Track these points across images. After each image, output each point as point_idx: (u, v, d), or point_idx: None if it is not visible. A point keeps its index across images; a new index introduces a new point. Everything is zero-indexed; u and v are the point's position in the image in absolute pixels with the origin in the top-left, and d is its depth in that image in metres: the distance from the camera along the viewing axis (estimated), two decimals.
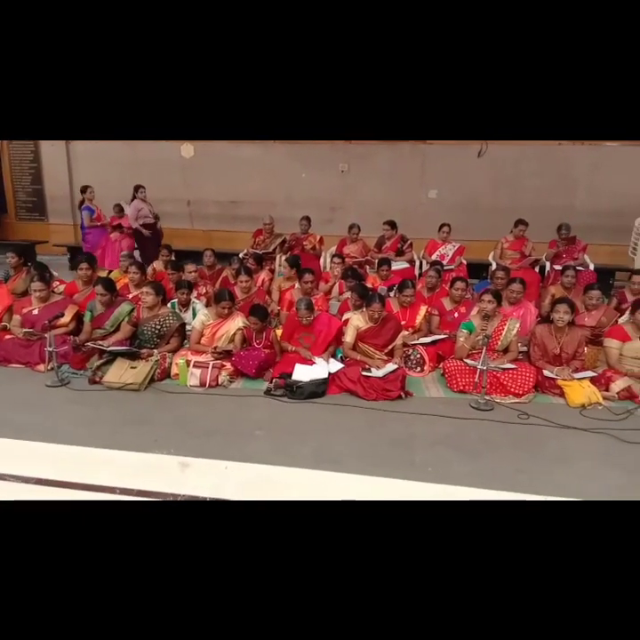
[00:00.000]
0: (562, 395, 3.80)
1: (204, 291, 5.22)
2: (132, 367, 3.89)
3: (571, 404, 3.70)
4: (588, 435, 3.31)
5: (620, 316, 4.60)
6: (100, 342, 4.08)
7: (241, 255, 6.32)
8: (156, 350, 4.12)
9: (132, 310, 4.33)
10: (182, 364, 3.91)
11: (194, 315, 4.44)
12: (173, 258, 6.01)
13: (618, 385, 3.82)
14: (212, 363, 3.93)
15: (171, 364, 4.04)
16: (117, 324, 4.30)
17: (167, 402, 3.70)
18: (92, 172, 8.76)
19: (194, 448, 3.00)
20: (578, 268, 5.71)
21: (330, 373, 3.91)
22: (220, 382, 3.92)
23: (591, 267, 6.30)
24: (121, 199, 7.84)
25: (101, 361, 3.95)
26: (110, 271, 5.89)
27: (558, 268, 5.92)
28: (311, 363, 4.03)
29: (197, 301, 4.74)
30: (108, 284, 4.39)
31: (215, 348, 4.08)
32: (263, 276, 5.61)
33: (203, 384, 3.87)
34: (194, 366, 3.91)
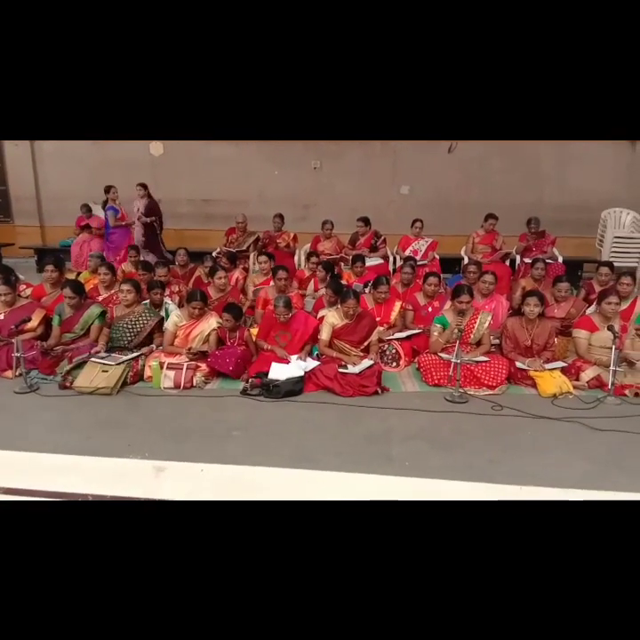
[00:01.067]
0: (534, 385, 3.88)
1: (177, 289, 5.14)
2: (103, 371, 3.80)
3: (542, 395, 3.78)
4: (559, 424, 3.38)
5: (588, 307, 4.71)
6: (101, 355, 3.96)
7: (214, 254, 6.25)
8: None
9: (103, 313, 4.24)
10: (155, 366, 3.84)
11: (167, 315, 4.37)
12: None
13: (587, 374, 3.91)
14: (186, 364, 3.87)
15: (143, 366, 3.96)
16: (87, 328, 4.20)
17: (140, 405, 3.63)
18: (58, 172, 8.54)
19: (169, 451, 2.96)
20: (547, 260, 5.83)
21: (306, 371, 3.90)
22: (194, 383, 3.87)
23: (560, 259, 6.45)
24: (89, 199, 7.67)
25: (71, 365, 3.85)
26: (79, 273, 5.75)
27: (528, 261, 6.04)
28: (287, 361, 4.02)
29: (170, 301, 4.66)
30: (77, 287, 4.29)
31: (189, 349, 4.03)
32: (237, 274, 5.56)
33: (177, 386, 3.82)
34: (167, 368, 3.84)
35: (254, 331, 4.47)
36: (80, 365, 3.87)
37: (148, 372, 3.92)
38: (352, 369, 3.90)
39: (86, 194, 7.82)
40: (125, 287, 4.20)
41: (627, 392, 3.77)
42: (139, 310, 4.21)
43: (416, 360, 4.25)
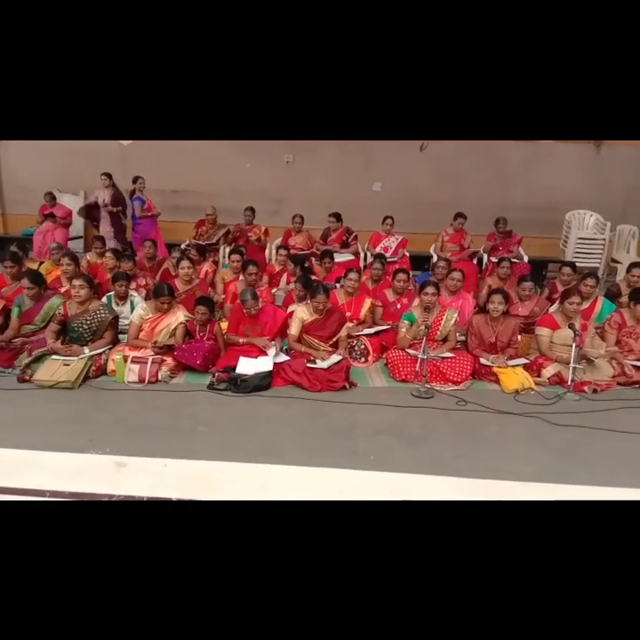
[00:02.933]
0: (497, 381, 3.97)
1: (144, 282, 5.03)
2: (65, 364, 3.69)
3: (505, 390, 3.86)
4: (521, 419, 3.46)
5: (550, 306, 4.84)
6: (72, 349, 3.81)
7: (183, 246, 6.14)
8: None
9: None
10: (119, 359, 3.75)
11: (132, 308, 4.27)
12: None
13: (548, 371, 4.02)
14: (151, 358, 3.80)
15: (107, 360, 3.87)
16: (48, 319, 4.06)
17: (103, 400, 3.54)
18: (22, 160, 8.21)
19: (132, 447, 2.90)
20: (513, 259, 5.96)
21: (275, 365, 3.88)
22: (160, 378, 3.80)
23: (525, 259, 6.60)
24: (54, 188, 7.42)
25: (31, 358, 3.73)
26: (41, 262, 5.57)
27: (495, 260, 6.16)
28: (256, 355, 3.98)
29: (135, 294, 4.56)
30: (35, 277, 4.14)
31: (155, 342, 3.95)
32: (206, 267, 5.48)
33: (141, 380, 3.74)
34: (132, 362, 3.76)
35: (224, 325, 4.42)
36: (40, 358, 3.75)
37: (111, 366, 3.83)
38: (320, 364, 3.90)
39: (51, 182, 7.56)
40: (77, 283, 3.95)
41: (585, 388, 3.90)
42: (94, 307, 4.02)
43: (384, 356, 4.29)
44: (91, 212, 7.08)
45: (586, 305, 4.51)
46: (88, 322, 3.97)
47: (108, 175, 6.88)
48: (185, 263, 4.76)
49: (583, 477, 2.78)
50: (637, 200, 7.92)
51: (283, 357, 4.02)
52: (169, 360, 3.88)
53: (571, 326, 3.94)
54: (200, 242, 6.37)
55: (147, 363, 3.76)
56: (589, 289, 4.59)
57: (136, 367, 3.75)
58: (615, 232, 7.43)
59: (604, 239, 7.15)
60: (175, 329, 4.08)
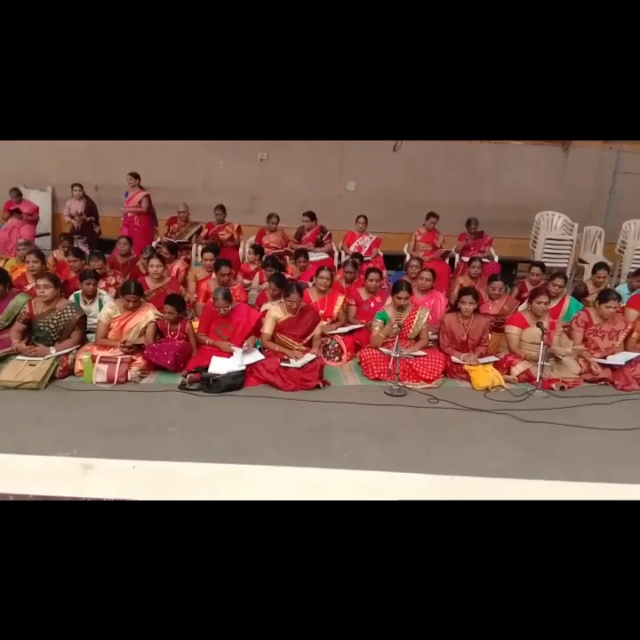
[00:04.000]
0: (468, 379, 4.03)
1: (114, 281, 4.92)
2: (30, 365, 3.59)
3: (476, 388, 3.93)
4: (491, 416, 3.53)
5: (520, 305, 4.95)
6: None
7: (154, 244, 6.04)
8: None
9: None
10: (87, 359, 3.66)
11: (101, 307, 4.17)
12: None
13: (518, 368, 4.11)
14: (120, 357, 3.72)
15: (74, 360, 3.77)
16: (13, 318, 3.93)
17: (70, 400, 3.46)
18: None
19: (100, 448, 2.83)
20: (484, 259, 6.07)
21: (247, 365, 3.85)
22: (129, 378, 3.72)
23: (496, 259, 6.73)
24: (19, 183, 7.20)
25: None
26: (6, 260, 5.39)
27: (466, 259, 6.25)
28: (228, 354, 3.95)
29: (104, 292, 4.46)
30: (0, 275, 4.01)
31: (124, 342, 3.87)
32: (178, 265, 5.40)
33: (110, 380, 3.66)
34: (100, 362, 3.68)
35: (196, 324, 4.37)
36: (4, 358, 3.63)
37: (78, 366, 3.74)
38: (294, 363, 3.90)
39: (17, 178, 7.33)
40: (42, 282, 3.80)
41: (553, 385, 3.99)
42: (61, 306, 3.91)
43: (358, 354, 4.31)
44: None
45: (554, 304, 4.63)
46: (54, 321, 3.86)
47: (80, 186, 6.84)
48: (155, 261, 4.67)
49: (550, 472, 2.86)
50: (603, 202, 8.16)
51: (257, 356, 3.99)
52: (139, 360, 3.81)
53: (539, 325, 4.03)
54: (172, 239, 6.27)
55: (116, 363, 3.68)
56: (558, 288, 4.71)
57: (104, 367, 3.67)
58: (582, 233, 7.64)
59: (572, 240, 7.34)
60: (145, 328, 4.00)
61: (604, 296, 4.38)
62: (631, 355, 4.23)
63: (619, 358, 4.20)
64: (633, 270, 5.93)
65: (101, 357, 3.71)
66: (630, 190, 8.01)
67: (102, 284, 4.74)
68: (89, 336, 4.16)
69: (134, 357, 3.81)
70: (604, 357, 4.24)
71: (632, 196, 7.98)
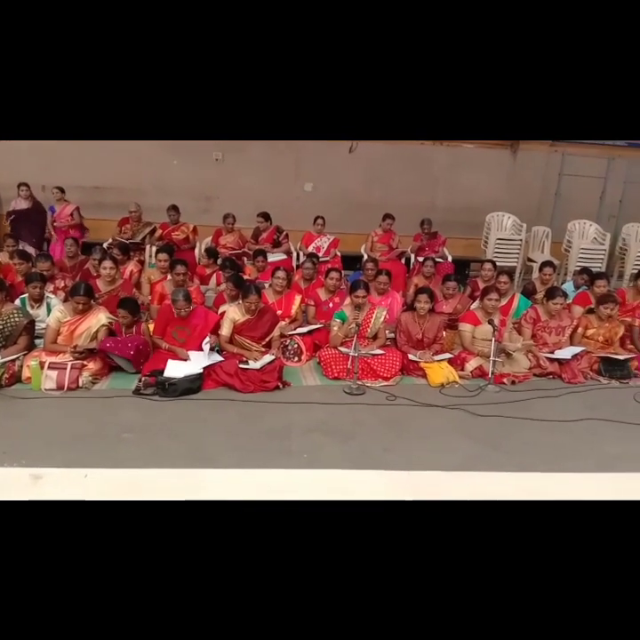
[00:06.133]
0: (424, 376, 4.13)
1: (63, 284, 4.74)
2: None
3: (432, 384, 4.03)
4: (446, 411, 3.62)
5: (472, 303, 5.10)
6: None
7: (105, 245, 5.85)
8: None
9: None
10: (35, 366, 3.51)
11: (49, 311, 4.01)
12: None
13: (471, 364, 4.24)
14: (70, 363, 3.59)
15: (21, 366, 3.61)
16: None
17: (17, 409, 3.31)
18: None
19: (50, 458, 2.73)
20: (438, 259, 6.22)
21: (205, 367, 3.80)
22: (80, 384, 3.60)
23: (449, 258, 6.91)
24: None
25: None
26: None
27: (421, 259, 6.39)
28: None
29: (52, 296, 4.29)
30: None
31: (75, 346, 3.73)
32: (131, 267, 5.25)
33: (60, 387, 3.53)
34: (49, 368, 3.54)
35: (151, 326, 4.26)
36: None
37: (26, 373, 3.58)
38: (253, 364, 3.87)
39: None
40: None
41: (505, 380, 4.14)
42: (6, 311, 3.74)
43: (317, 354, 4.33)
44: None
45: (504, 301, 4.80)
46: (0, 327, 3.68)
47: (27, 185, 6.57)
48: (107, 263, 4.53)
49: (501, 464, 2.96)
50: (549, 203, 8.53)
51: (215, 357, 3.94)
52: (90, 365, 3.69)
53: (490, 322, 4.17)
54: (124, 240, 6.09)
55: (66, 368, 3.56)
56: (503, 285, 4.89)
57: (54, 373, 3.53)
58: (531, 233, 7.95)
59: (521, 240, 7.63)
60: (97, 332, 3.87)
61: (551, 293, 4.58)
62: (577, 349, 4.44)
63: (565, 353, 4.40)
64: (578, 268, 6.23)
65: (50, 363, 3.57)
66: (574, 192, 8.42)
67: (50, 287, 4.56)
68: (37, 341, 4.00)
69: (85, 363, 3.68)
70: (552, 352, 4.43)
71: (576, 198, 8.39)
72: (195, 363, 3.80)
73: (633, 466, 2.99)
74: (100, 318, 3.88)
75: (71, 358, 3.65)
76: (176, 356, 3.89)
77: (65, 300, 4.28)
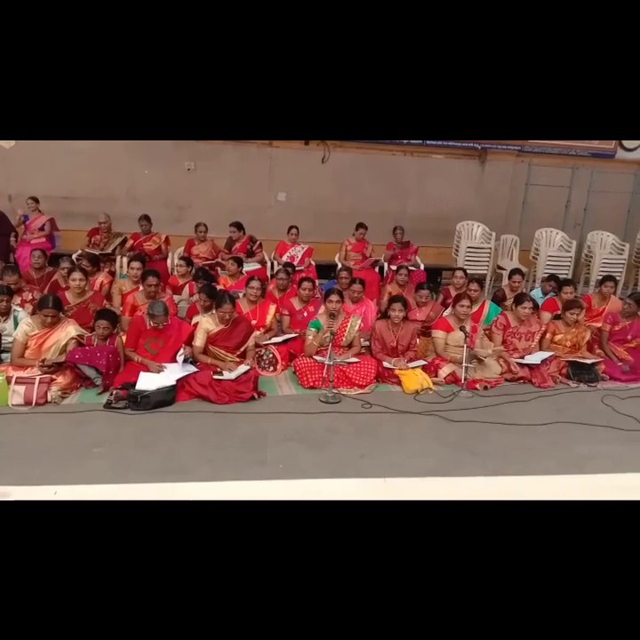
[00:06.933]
0: (399, 383, 4.16)
1: (30, 297, 4.61)
2: None
3: (406, 391, 4.07)
4: (421, 417, 3.66)
5: (445, 310, 5.18)
6: None
7: (74, 256, 5.73)
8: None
9: None
10: (1, 381, 3.41)
11: (16, 324, 3.90)
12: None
13: (444, 371, 4.30)
14: (39, 377, 3.50)
15: None
16: None
17: None
18: None
19: (17, 475, 2.64)
20: (410, 268, 6.31)
21: (178, 379, 3.74)
22: (49, 399, 3.50)
23: (422, 267, 7.02)
24: None
25: None
26: None
27: (395, 268, 6.47)
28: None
29: (19, 309, 4.17)
30: None
31: (43, 360, 3.64)
32: (101, 278, 5.15)
33: (28, 402, 3.43)
34: (16, 383, 3.43)
35: (124, 338, 4.19)
36: None
37: None
38: (228, 375, 3.84)
39: None
40: None
41: (477, 386, 4.21)
42: None
43: (292, 364, 4.32)
44: None
45: (475, 308, 4.89)
46: None
47: None
48: (76, 274, 4.43)
49: (475, 468, 3.01)
50: (517, 212, 8.77)
51: (189, 368, 3.89)
52: (59, 379, 3.59)
53: (462, 328, 4.24)
54: (93, 251, 5.98)
55: (34, 383, 3.46)
56: (474, 293, 4.99)
57: (21, 388, 3.43)
58: (499, 241, 8.15)
59: (490, 248, 7.80)
60: (66, 345, 3.78)
61: (519, 299, 4.70)
62: (546, 354, 4.56)
63: (535, 358, 4.51)
64: (546, 275, 6.41)
65: (17, 378, 3.46)
66: (541, 201, 8.68)
67: (17, 300, 4.43)
68: (3, 356, 3.88)
69: (54, 377, 3.59)
70: (522, 357, 4.54)
71: (542, 206, 8.66)
72: (169, 374, 3.75)
73: (601, 466, 3.07)
74: (69, 331, 3.79)
75: (39, 372, 3.56)
76: (148, 370, 3.82)
77: (32, 313, 4.16)
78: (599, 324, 5.05)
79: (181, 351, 3.89)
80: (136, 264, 5.01)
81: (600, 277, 6.03)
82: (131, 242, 6.42)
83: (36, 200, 6.52)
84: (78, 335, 3.83)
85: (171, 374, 3.76)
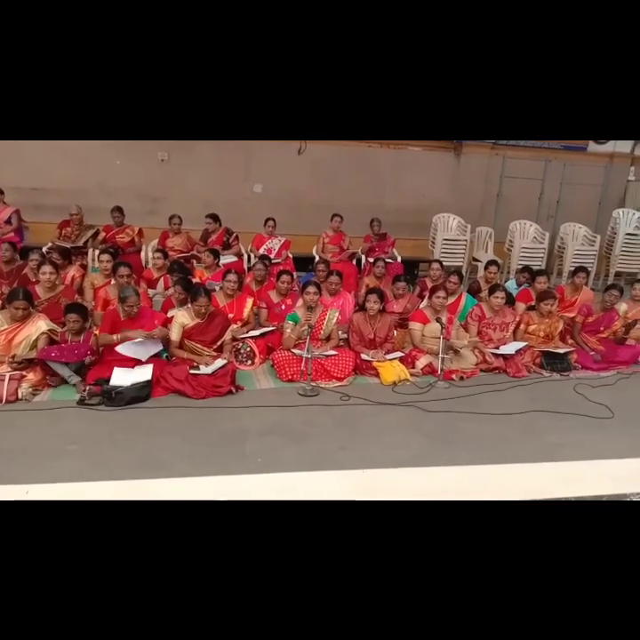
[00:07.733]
0: (377, 375, 4.19)
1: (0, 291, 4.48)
2: None
3: (384, 383, 4.09)
4: (398, 408, 3.69)
5: (421, 302, 5.23)
6: None
7: (44, 249, 5.57)
8: None
9: None
10: None
11: None
12: None
13: (421, 362, 4.34)
14: (8, 374, 3.40)
15: None
16: None
17: None
18: None
19: None
20: (388, 260, 6.33)
21: (150, 359, 3.70)
22: (20, 396, 3.41)
23: (399, 259, 7.05)
24: None
25: None
26: None
27: (372, 260, 6.48)
28: (132, 365, 3.74)
29: None
30: None
31: (13, 356, 3.53)
32: (73, 272, 5.01)
33: None
34: None
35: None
36: None
37: None
38: (204, 369, 3.80)
39: None
40: None
41: (454, 376, 4.27)
42: None
43: (270, 357, 4.30)
44: None
45: (452, 300, 4.94)
46: None
47: None
48: (47, 268, 4.30)
49: (451, 457, 3.05)
50: (491, 204, 8.87)
51: (157, 345, 3.87)
52: (30, 376, 3.50)
53: (438, 320, 4.28)
54: (64, 244, 5.82)
55: (3, 380, 3.36)
56: (453, 285, 5.04)
57: None
58: (475, 233, 8.24)
59: (466, 240, 7.89)
60: (36, 340, 3.68)
61: (493, 289, 4.78)
62: (520, 344, 4.64)
63: (509, 348, 4.59)
64: (520, 267, 6.51)
65: None
66: (515, 193, 8.80)
67: None
68: None
69: (25, 373, 3.49)
70: (497, 348, 4.61)
71: (516, 199, 8.78)
72: (141, 370, 3.67)
73: (573, 454, 3.15)
74: (39, 326, 3.69)
75: (9, 369, 3.46)
76: (122, 363, 3.72)
77: (1, 308, 4.04)
78: (572, 314, 5.17)
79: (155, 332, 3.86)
80: (106, 256, 4.87)
81: (572, 268, 6.16)
82: (103, 234, 6.27)
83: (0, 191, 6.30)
84: (50, 330, 3.73)
85: (151, 347, 3.76)
